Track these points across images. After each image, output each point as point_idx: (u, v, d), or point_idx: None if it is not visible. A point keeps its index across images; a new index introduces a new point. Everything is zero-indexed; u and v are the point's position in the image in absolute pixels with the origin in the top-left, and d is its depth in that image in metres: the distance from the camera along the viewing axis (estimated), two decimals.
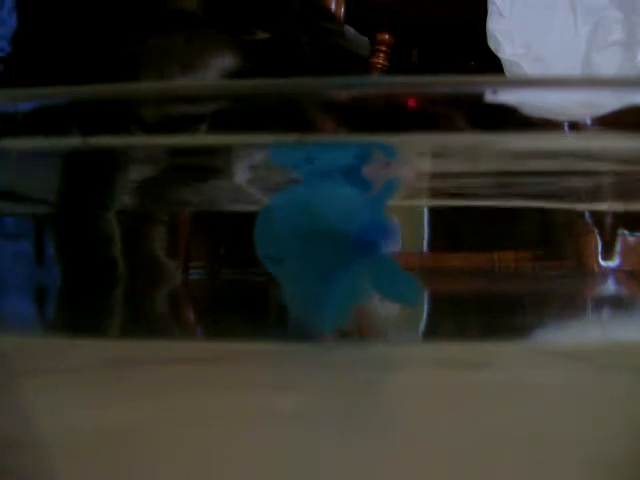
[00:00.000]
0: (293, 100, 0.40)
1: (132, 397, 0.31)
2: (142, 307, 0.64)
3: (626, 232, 1.02)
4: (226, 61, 0.66)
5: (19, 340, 0.43)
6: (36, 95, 0.40)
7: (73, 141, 0.46)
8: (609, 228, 1.02)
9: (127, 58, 0.65)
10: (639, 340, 0.44)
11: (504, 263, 1.05)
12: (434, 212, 1.04)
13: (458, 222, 1.04)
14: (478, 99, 0.37)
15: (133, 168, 0.60)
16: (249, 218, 0.44)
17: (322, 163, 0.43)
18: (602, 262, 1.03)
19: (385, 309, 0.50)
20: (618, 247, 1.03)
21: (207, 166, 0.54)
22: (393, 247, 0.43)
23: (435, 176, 0.56)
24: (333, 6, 1.20)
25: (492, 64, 1.09)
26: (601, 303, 0.75)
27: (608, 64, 1.05)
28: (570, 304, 0.69)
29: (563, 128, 0.62)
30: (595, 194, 0.61)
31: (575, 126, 0.63)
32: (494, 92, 0.37)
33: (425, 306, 0.71)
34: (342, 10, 1.22)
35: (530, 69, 1.05)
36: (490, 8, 1.09)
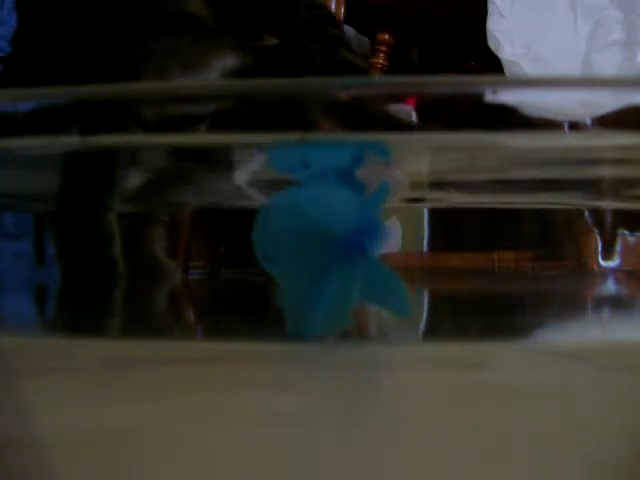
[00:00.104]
0: (293, 100, 0.40)
1: (132, 397, 0.31)
2: (142, 307, 0.64)
3: (626, 232, 1.02)
4: (230, 63, 0.66)
5: (19, 340, 0.43)
6: (36, 95, 0.40)
7: (73, 141, 0.46)
8: (609, 228, 1.02)
9: (129, 59, 0.66)
10: (639, 340, 0.44)
11: (504, 263, 1.05)
12: (434, 212, 1.04)
13: (458, 222, 1.04)
14: (478, 99, 0.37)
15: (133, 168, 0.60)
16: (249, 218, 0.44)
17: (318, 166, 0.43)
18: (602, 262, 1.03)
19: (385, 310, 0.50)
20: (618, 247, 1.03)
21: (207, 166, 0.54)
22: (385, 249, 0.44)
23: (434, 176, 0.56)
24: (333, 6, 1.20)
25: (492, 64, 1.09)
26: (601, 303, 0.75)
27: (608, 64, 1.05)
28: (570, 304, 0.69)
29: (563, 128, 0.62)
30: (595, 194, 0.61)
31: (575, 126, 0.63)
32: (494, 92, 0.37)
33: (425, 306, 0.71)
34: (342, 10, 1.22)
35: (530, 69, 1.05)
36: (490, 8, 1.09)
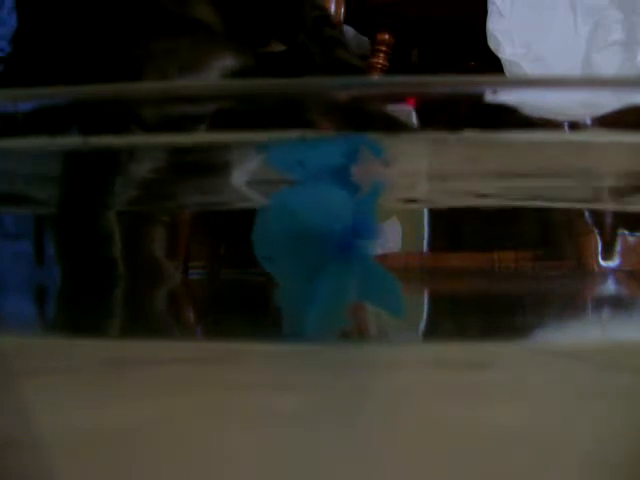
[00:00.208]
0: (292, 99, 0.40)
1: (132, 397, 0.31)
2: (142, 307, 0.64)
3: (626, 232, 1.02)
4: (230, 64, 0.66)
5: (19, 340, 0.43)
6: (36, 95, 0.40)
7: (73, 141, 0.46)
8: (609, 228, 1.02)
9: (131, 60, 0.66)
10: (639, 340, 0.44)
11: (504, 263, 1.05)
12: (434, 212, 1.04)
13: (458, 222, 1.04)
14: (478, 99, 0.37)
15: (133, 168, 0.60)
16: (249, 218, 0.44)
17: (314, 165, 0.43)
18: (602, 262, 1.03)
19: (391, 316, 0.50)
20: (618, 247, 1.03)
21: (206, 166, 0.54)
22: (384, 249, 0.44)
23: (434, 176, 0.56)
24: (333, 6, 1.20)
25: (492, 64, 1.09)
26: (601, 303, 0.75)
27: (608, 64, 1.05)
28: (570, 304, 0.69)
29: (563, 128, 0.62)
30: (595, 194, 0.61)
31: (575, 126, 0.63)
32: (494, 92, 0.37)
33: (425, 306, 0.71)
34: (342, 10, 1.22)
35: (530, 69, 1.05)
36: (490, 8, 1.09)
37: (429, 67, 1.37)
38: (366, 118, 0.44)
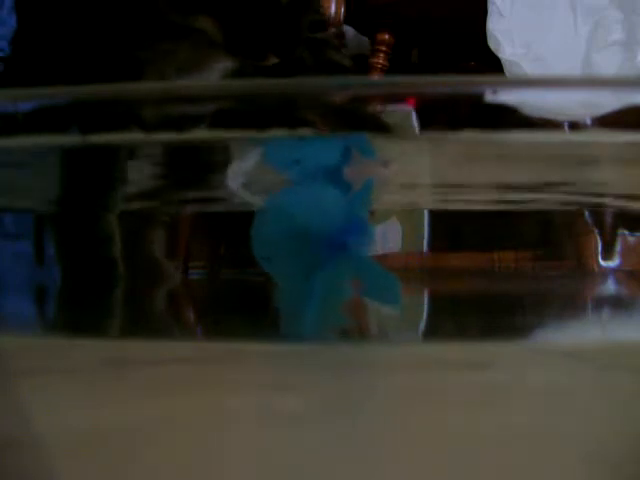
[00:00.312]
0: (291, 99, 0.40)
1: (132, 397, 0.31)
2: (142, 307, 0.64)
3: (626, 232, 1.02)
4: (228, 66, 0.67)
5: (19, 340, 0.43)
6: (36, 95, 0.40)
7: (73, 141, 0.46)
8: (609, 228, 1.02)
9: (132, 62, 0.66)
10: (639, 340, 0.44)
11: (504, 263, 1.05)
12: (434, 212, 1.04)
13: (458, 222, 1.04)
14: (478, 99, 0.37)
15: (133, 168, 0.60)
16: (248, 218, 0.44)
17: (308, 165, 0.43)
18: (602, 262, 1.03)
19: (385, 309, 0.50)
20: (618, 247, 1.03)
21: (206, 166, 0.54)
22: (377, 247, 0.44)
23: (434, 176, 0.56)
24: (333, 6, 1.20)
25: (492, 64, 1.09)
26: (601, 303, 0.75)
27: (608, 64, 1.05)
28: (570, 304, 0.69)
29: (563, 128, 0.62)
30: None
31: (575, 126, 0.63)
32: (494, 92, 0.37)
33: (425, 306, 0.71)
34: (342, 10, 1.22)
35: (530, 69, 1.05)
36: (490, 8, 1.09)
37: (429, 67, 1.37)
38: (361, 119, 0.44)
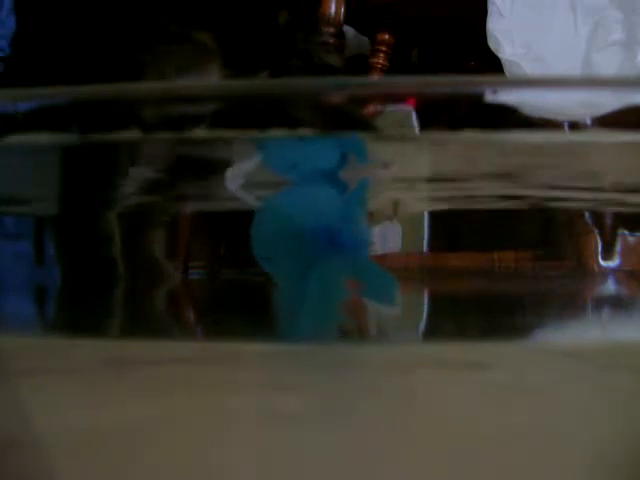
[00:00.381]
0: (292, 99, 0.40)
1: (132, 397, 0.31)
2: (142, 307, 0.64)
3: (626, 232, 1.02)
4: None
5: (19, 340, 0.43)
6: (36, 95, 0.40)
7: (73, 141, 0.46)
8: (609, 228, 1.02)
9: (133, 63, 0.66)
10: (639, 340, 0.44)
11: (504, 263, 1.05)
12: (434, 212, 1.04)
13: (458, 222, 1.04)
14: (478, 99, 0.37)
15: (133, 168, 0.60)
16: (248, 218, 0.44)
17: (306, 167, 0.43)
18: (602, 262, 1.03)
19: (385, 309, 0.50)
20: (618, 247, 1.03)
21: (206, 166, 0.54)
22: (367, 245, 0.44)
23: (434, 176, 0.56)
24: (333, 6, 1.20)
25: (492, 64, 1.09)
26: (601, 303, 0.75)
27: (608, 64, 1.05)
28: (570, 304, 0.69)
29: (563, 128, 0.62)
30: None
31: (575, 126, 0.63)
32: (494, 92, 0.37)
33: (425, 306, 0.71)
34: (342, 10, 1.22)
35: (530, 69, 1.05)
36: (490, 8, 1.09)
37: (429, 67, 1.37)
38: (359, 119, 0.44)
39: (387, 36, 1.25)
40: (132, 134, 0.49)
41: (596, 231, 1.03)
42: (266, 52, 0.65)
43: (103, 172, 0.63)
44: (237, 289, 0.86)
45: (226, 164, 0.54)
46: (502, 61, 1.07)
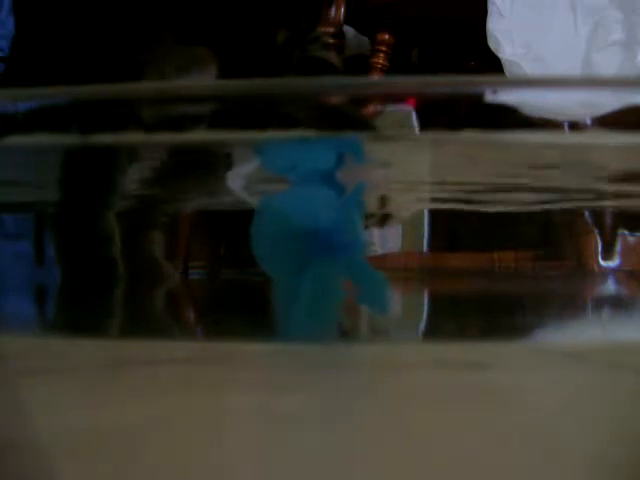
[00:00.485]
0: (292, 99, 0.40)
1: (132, 397, 0.31)
2: (142, 307, 0.64)
3: (626, 232, 1.02)
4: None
5: (19, 340, 0.43)
6: (36, 95, 0.40)
7: (73, 141, 0.46)
8: (609, 228, 1.02)
9: (134, 64, 0.66)
10: (639, 340, 0.44)
11: (504, 263, 1.05)
12: (434, 212, 1.04)
13: (458, 222, 1.04)
14: (478, 99, 0.37)
15: (132, 168, 0.60)
16: (248, 219, 0.44)
17: (304, 169, 0.44)
18: (602, 262, 1.03)
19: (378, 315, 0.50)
20: (618, 247, 1.03)
21: (206, 165, 0.54)
22: (362, 246, 0.44)
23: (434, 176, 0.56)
24: (333, 8, 1.20)
25: (492, 64, 1.09)
26: (601, 303, 0.75)
27: (608, 64, 1.05)
28: (570, 304, 0.69)
29: (563, 128, 0.62)
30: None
31: (575, 126, 0.63)
32: (494, 92, 0.37)
33: (425, 306, 0.71)
34: (342, 10, 1.22)
35: (530, 69, 1.05)
36: (490, 8, 1.09)
37: (429, 67, 1.37)
38: (358, 120, 0.44)
39: (387, 36, 1.25)
40: (132, 134, 0.49)
41: (596, 231, 1.03)
42: (263, 69, 0.66)
43: (103, 172, 0.63)
44: (237, 289, 0.86)
45: (226, 163, 0.54)
46: (502, 61, 1.07)
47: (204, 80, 0.67)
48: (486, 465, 0.23)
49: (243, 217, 0.51)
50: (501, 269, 1.05)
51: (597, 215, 1.02)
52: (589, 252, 1.03)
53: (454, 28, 1.24)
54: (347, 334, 0.46)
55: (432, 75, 0.75)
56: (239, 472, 0.22)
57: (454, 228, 1.08)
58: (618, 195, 0.61)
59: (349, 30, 1.28)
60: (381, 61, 1.25)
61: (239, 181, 0.54)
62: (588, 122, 0.64)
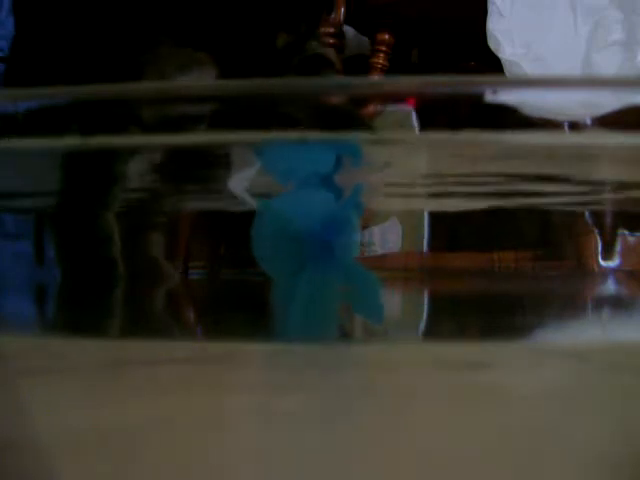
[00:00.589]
0: (292, 99, 0.40)
1: (132, 397, 0.31)
2: (142, 307, 0.64)
3: (626, 232, 1.02)
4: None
5: (19, 340, 0.43)
6: (36, 95, 0.40)
7: (73, 141, 0.46)
8: (609, 228, 1.02)
9: (134, 64, 0.66)
10: (639, 340, 0.44)
11: (504, 263, 1.05)
12: (434, 212, 1.04)
13: (458, 222, 1.04)
14: (478, 99, 0.37)
15: (132, 167, 0.61)
16: (249, 219, 0.45)
17: (304, 172, 0.44)
18: (602, 262, 1.03)
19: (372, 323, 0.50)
20: (618, 247, 1.03)
21: (206, 165, 0.54)
22: (357, 248, 0.45)
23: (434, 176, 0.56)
24: (333, 8, 1.20)
25: (492, 64, 1.09)
26: (601, 303, 0.75)
27: (608, 64, 1.05)
28: (570, 304, 0.69)
29: (563, 128, 0.62)
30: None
31: (575, 126, 0.63)
32: (494, 92, 0.37)
33: (425, 306, 0.71)
34: (342, 10, 1.22)
35: (530, 69, 1.05)
36: (490, 8, 1.09)
37: (429, 67, 1.37)
38: (358, 120, 0.44)
39: (387, 36, 1.25)
40: (132, 134, 0.49)
41: (596, 231, 1.03)
42: (262, 73, 0.66)
43: (103, 172, 0.63)
44: (237, 289, 0.86)
45: (226, 163, 0.54)
46: (502, 61, 1.07)
47: (204, 80, 0.67)
48: (486, 465, 0.23)
49: (243, 217, 0.51)
50: (501, 269, 1.05)
51: (597, 215, 1.02)
52: (589, 252, 1.03)
53: (454, 28, 1.24)
54: (347, 334, 0.46)
55: (432, 75, 0.75)
56: (239, 472, 0.22)
57: (454, 228, 1.08)
58: (618, 195, 0.61)
59: (349, 30, 1.28)
60: (381, 61, 1.25)
61: (240, 183, 0.54)
62: (588, 122, 0.64)
